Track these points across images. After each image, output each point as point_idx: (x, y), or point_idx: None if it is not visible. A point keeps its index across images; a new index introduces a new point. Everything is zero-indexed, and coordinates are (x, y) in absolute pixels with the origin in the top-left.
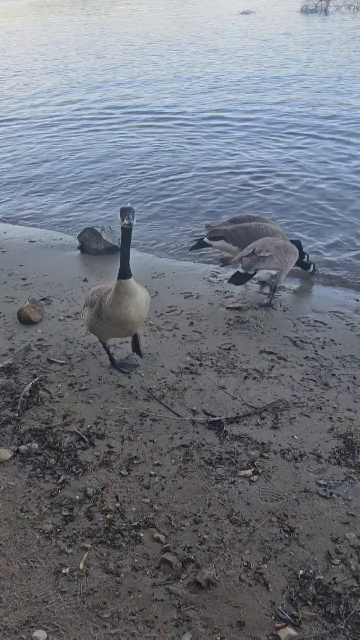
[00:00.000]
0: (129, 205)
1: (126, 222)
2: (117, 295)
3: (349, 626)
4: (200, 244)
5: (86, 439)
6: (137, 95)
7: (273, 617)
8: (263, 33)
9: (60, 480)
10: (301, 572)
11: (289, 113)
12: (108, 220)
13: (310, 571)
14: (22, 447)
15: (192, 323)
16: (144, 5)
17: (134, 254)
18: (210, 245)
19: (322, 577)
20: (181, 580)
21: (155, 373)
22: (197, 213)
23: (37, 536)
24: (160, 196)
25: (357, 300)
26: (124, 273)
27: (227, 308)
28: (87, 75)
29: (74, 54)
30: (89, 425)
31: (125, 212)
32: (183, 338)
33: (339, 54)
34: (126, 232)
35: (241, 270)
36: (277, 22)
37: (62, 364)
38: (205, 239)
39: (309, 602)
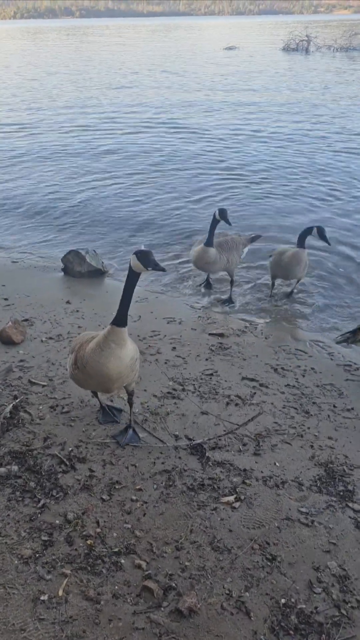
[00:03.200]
0: (143, 247)
1: (149, 268)
2: (104, 342)
3: None
4: None
5: (67, 463)
6: (118, 117)
7: None
8: (246, 67)
9: (40, 504)
10: (283, 600)
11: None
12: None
13: (292, 600)
14: (2, 470)
15: (174, 348)
16: (130, 36)
17: (117, 280)
18: None
19: (304, 606)
20: (162, 609)
21: (138, 397)
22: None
23: (16, 561)
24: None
25: (337, 329)
26: (120, 320)
27: (210, 334)
28: (84, 97)
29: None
30: (70, 449)
31: (145, 256)
32: (166, 363)
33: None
34: (135, 276)
35: None
36: (260, 58)
37: (43, 386)
38: None
39: (291, 632)
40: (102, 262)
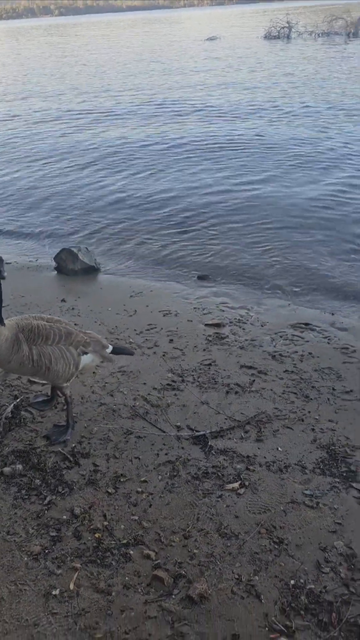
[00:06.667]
0: None
1: None
2: None
3: (342, 634)
4: None
5: (71, 459)
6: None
7: (267, 629)
8: (228, 57)
9: (46, 501)
10: (292, 582)
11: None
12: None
13: (301, 581)
14: (6, 469)
15: (171, 340)
16: (109, 30)
17: (111, 275)
18: None
19: (313, 587)
20: (173, 596)
21: (138, 390)
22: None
23: (25, 558)
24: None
25: (332, 314)
26: None
27: (206, 325)
28: (56, 94)
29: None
30: (73, 445)
31: None
32: (164, 355)
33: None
34: None
35: None
36: (242, 47)
37: (43, 384)
38: None
39: (302, 612)
40: (95, 259)
